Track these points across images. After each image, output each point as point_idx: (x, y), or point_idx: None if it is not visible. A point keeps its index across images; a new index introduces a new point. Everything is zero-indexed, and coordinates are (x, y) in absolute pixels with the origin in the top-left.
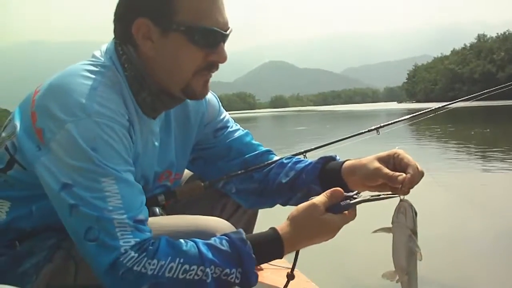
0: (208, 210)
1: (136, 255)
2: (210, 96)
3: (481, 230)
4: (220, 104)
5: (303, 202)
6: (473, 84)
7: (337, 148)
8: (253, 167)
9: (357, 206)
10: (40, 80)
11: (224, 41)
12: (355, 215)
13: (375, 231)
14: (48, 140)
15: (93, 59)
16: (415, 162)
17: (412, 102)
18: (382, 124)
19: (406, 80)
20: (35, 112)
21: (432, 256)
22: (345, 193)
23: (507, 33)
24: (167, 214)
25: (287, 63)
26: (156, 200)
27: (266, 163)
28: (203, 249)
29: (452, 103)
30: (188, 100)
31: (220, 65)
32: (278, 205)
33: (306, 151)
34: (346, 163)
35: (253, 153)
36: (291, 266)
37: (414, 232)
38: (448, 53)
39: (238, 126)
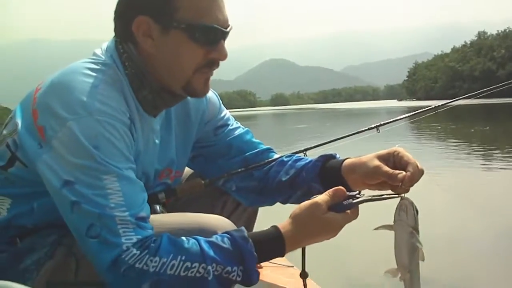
0: (208, 208)
1: (138, 252)
2: (211, 94)
3: (477, 228)
4: (221, 102)
5: (303, 200)
6: (474, 81)
7: (337, 146)
8: (253, 165)
9: (359, 205)
10: (40, 78)
11: (224, 39)
12: (357, 214)
13: (377, 228)
14: (49, 137)
15: (94, 57)
16: (415, 160)
17: (413, 100)
18: (382, 122)
19: (406, 78)
20: (36, 110)
21: (432, 255)
22: (347, 193)
23: (507, 30)
24: (168, 212)
25: (288, 61)
26: (157, 197)
27: (266, 161)
28: (205, 246)
29: (453, 101)
30: (189, 98)
31: (221, 63)
32: (278, 203)
33: (306, 149)
34: (346, 161)
35: (254, 151)
36: (291, 264)
37: (416, 230)
38: (448, 50)
39: (239, 124)
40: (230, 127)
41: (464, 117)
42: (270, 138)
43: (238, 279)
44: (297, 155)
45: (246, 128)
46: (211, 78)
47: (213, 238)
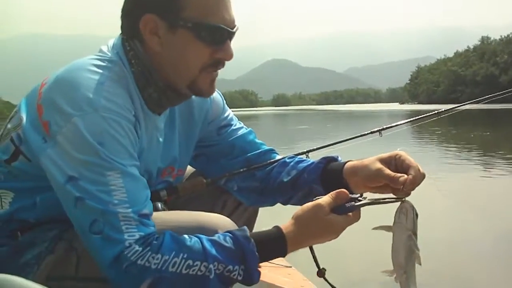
0: (209, 207)
1: (140, 249)
2: (215, 93)
3: (474, 230)
4: (225, 102)
5: (304, 201)
6: (476, 86)
7: (340, 149)
8: (255, 166)
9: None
10: (41, 72)
11: (230, 39)
12: (359, 217)
13: (375, 228)
14: (54, 133)
15: (100, 54)
16: (417, 164)
17: (414, 103)
18: (384, 126)
19: (408, 81)
20: (41, 105)
21: (433, 258)
22: (350, 195)
23: (510, 35)
24: (169, 210)
25: (290, 61)
26: (158, 195)
27: (268, 161)
28: (207, 245)
29: (456, 106)
30: (193, 97)
31: (225, 62)
32: (279, 204)
33: (308, 151)
34: (347, 164)
35: (256, 152)
36: (288, 265)
37: (414, 234)
38: (451, 55)
39: (242, 124)
40: (233, 127)
41: (465, 122)
42: (272, 138)
43: (240, 278)
44: (299, 156)
45: (249, 129)
46: None
47: (215, 237)
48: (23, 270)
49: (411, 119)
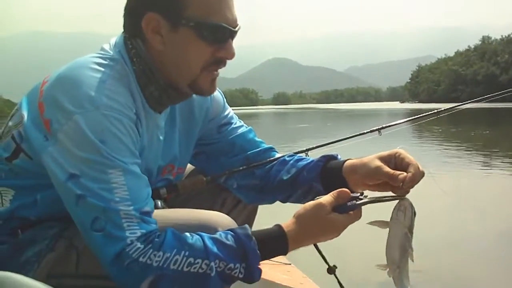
0: (209, 204)
1: (142, 246)
2: (215, 92)
3: (468, 225)
4: (225, 100)
5: (303, 199)
6: (476, 85)
7: (339, 148)
8: (255, 164)
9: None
10: (42, 70)
11: (232, 38)
12: (360, 215)
13: (371, 223)
14: (55, 130)
15: (102, 52)
16: (417, 162)
17: (415, 102)
18: (384, 125)
19: (409, 80)
20: (42, 103)
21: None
22: (351, 194)
23: (511, 35)
24: (168, 208)
25: (291, 60)
26: (158, 193)
27: (268, 160)
28: (209, 243)
29: (455, 106)
30: (194, 95)
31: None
32: (278, 202)
33: (308, 150)
34: (347, 162)
35: (256, 150)
36: (288, 262)
37: (410, 232)
38: (452, 54)
39: (242, 123)
40: (233, 126)
41: (466, 120)
42: (272, 137)
43: (241, 276)
44: (298, 155)
45: (249, 127)
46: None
47: (217, 235)
48: (24, 267)
49: (410, 118)
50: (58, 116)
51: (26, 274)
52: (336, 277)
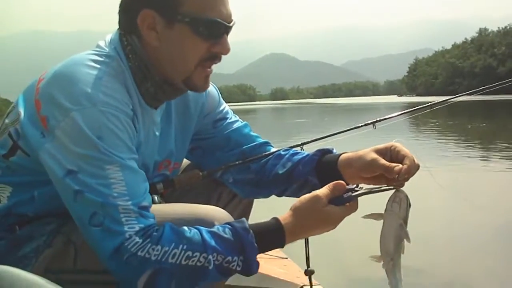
0: (205, 199)
1: (141, 240)
2: (210, 87)
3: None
4: (220, 95)
5: (298, 193)
6: (473, 78)
7: (334, 141)
8: (250, 158)
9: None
10: (41, 69)
11: (227, 33)
12: (357, 207)
13: (366, 216)
14: (52, 127)
15: (98, 49)
16: (412, 155)
17: (413, 96)
18: (378, 119)
19: (406, 74)
20: (39, 100)
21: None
22: (347, 186)
23: (508, 27)
24: (165, 202)
25: (288, 55)
26: (155, 188)
27: (263, 154)
28: (206, 236)
29: (449, 99)
30: (189, 91)
31: (222, 57)
32: (273, 196)
33: (303, 144)
34: (342, 155)
35: (251, 144)
36: (284, 256)
37: (405, 223)
38: (449, 47)
39: (237, 118)
40: (228, 120)
41: (463, 113)
42: (270, 132)
43: (238, 269)
44: (294, 149)
45: (244, 122)
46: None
47: (215, 228)
48: (21, 263)
49: (404, 111)
50: (55, 113)
51: (23, 269)
52: (310, 281)
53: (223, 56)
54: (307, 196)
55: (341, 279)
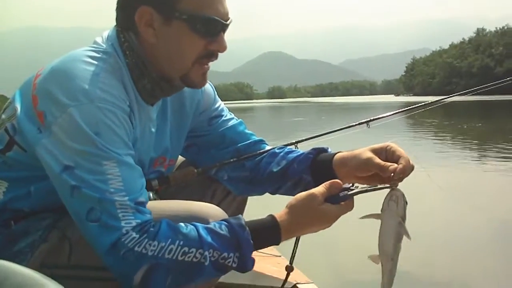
0: (199, 196)
1: (137, 236)
2: (206, 85)
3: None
4: (216, 93)
5: (293, 191)
6: (471, 78)
7: (328, 140)
8: (245, 156)
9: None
10: (40, 66)
11: (224, 31)
12: (353, 206)
13: (364, 217)
14: (49, 123)
15: (95, 46)
16: (407, 155)
17: (410, 95)
18: (372, 118)
19: (404, 73)
20: (36, 96)
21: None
22: (343, 185)
23: (506, 27)
24: (160, 199)
25: (286, 53)
26: (150, 185)
27: (258, 152)
28: (203, 233)
29: (443, 98)
30: (185, 88)
31: (219, 54)
32: (267, 193)
33: (297, 142)
34: (337, 155)
35: (246, 142)
36: (278, 254)
37: (403, 221)
38: (446, 46)
39: (232, 115)
40: (224, 118)
41: (459, 113)
42: (267, 130)
43: (234, 265)
44: (288, 147)
45: (239, 120)
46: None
47: (211, 225)
48: (17, 258)
49: (398, 111)
50: (52, 108)
51: (19, 264)
52: (287, 276)
53: (220, 54)
54: (303, 194)
55: (335, 278)
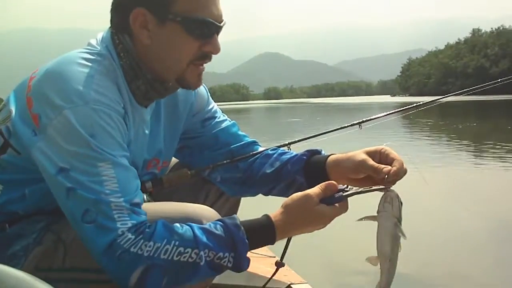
0: (192, 197)
1: (133, 237)
2: (200, 86)
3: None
4: (209, 95)
5: (286, 192)
6: (466, 78)
7: (321, 141)
8: (238, 157)
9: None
10: (37, 67)
11: (218, 33)
12: (347, 208)
13: (360, 219)
14: (44, 125)
15: (89, 48)
16: (401, 159)
17: (406, 96)
18: (364, 119)
19: (400, 74)
20: (31, 98)
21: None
22: (339, 187)
23: (501, 28)
24: (154, 201)
25: (282, 54)
26: (144, 187)
27: (251, 153)
28: (198, 233)
29: (437, 99)
30: (178, 90)
31: (215, 55)
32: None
33: (290, 143)
34: (331, 157)
35: (239, 144)
36: (272, 255)
37: (399, 221)
38: (442, 47)
39: (226, 117)
40: (217, 120)
41: (455, 113)
42: (263, 131)
43: (229, 265)
44: (281, 148)
45: (233, 121)
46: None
47: (206, 225)
48: (11, 261)
49: (390, 112)
50: (47, 111)
51: (13, 267)
52: (275, 271)
53: (216, 55)
54: (299, 194)
55: (330, 278)
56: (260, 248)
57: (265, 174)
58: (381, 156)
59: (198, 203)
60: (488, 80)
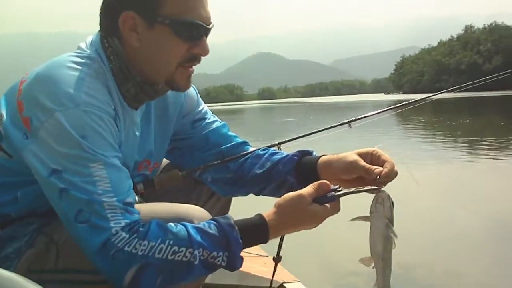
0: (184, 197)
1: (127, 236)
2: (190, 88)
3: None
4: (199, 96)
5: (277, 192)
6: (459, 75)
7: (312, 140)
8: (229, 158)
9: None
10: (28, 71)
11: (206, 35)
12: (339, 208)
13: (353, 219)
14: (36, 128)
15: (79, 51)
16: (392, 161)
17: (399, 93)
18: (353, 118)
19: (393, 72)
20: (21, 102)
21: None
22: (331, 187)
23: (494, 24)
24: (145, 202)
25: (276, 54)
26: (135, 188)
27: (241, 154)
28: (192, 232)
29: (428, 96)
30: (168, 92)
31: (208, 56)
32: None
33: (280, 143)
34: (322, 157)
35: (229, 144)
36: (265, 254)
37: (391, 222)
38: (435, 44)
39: (216, 118)
40: (207, 121)
41: (448, 110)
42: (257, 131)
43: (223, 264)
44: (272, 148)
45: (223, 122)
46: (196, 72)
47: (200, 224)
48: (3, 263)
49: (380, 110)
50: (38, 114)
51: (6, 269)
52: (275, 267)
53: (209, 56)
54: (292, 194)
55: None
56: (252, 247)
57: (255, 174)
58: (372, 158)
59: (189, 204)
60: (481, 77)
